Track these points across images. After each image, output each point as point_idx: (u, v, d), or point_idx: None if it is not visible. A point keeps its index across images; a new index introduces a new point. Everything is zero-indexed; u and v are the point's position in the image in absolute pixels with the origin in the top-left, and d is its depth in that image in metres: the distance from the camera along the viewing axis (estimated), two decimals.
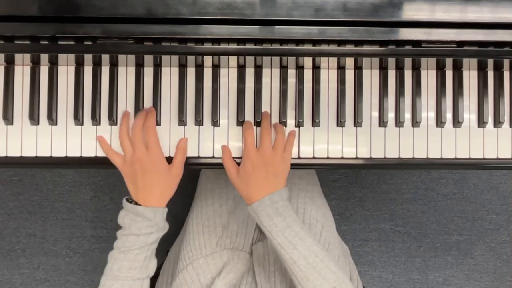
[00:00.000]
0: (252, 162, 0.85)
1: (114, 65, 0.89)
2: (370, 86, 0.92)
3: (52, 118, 0.88)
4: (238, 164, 0.89)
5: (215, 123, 0.90)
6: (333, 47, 0.81)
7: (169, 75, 0.90)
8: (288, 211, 0.84)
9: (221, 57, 0.87)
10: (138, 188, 0.85)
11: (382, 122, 0.91)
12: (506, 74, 0.92)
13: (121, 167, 0.87)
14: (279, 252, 0.82)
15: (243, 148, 0.87)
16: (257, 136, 0.90)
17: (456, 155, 0.92)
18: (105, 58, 0.87)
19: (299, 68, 0.91)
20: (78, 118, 0.88)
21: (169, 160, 0.89)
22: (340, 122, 0.91)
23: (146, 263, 0.84)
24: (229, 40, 0.79)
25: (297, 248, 0.80)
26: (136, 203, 0.85)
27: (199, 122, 0.90)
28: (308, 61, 0.90)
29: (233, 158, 0.90)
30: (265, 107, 0.91)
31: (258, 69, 0.90)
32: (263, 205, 0.83)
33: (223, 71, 0.90)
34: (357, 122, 0.91)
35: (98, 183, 1.67)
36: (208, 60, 0.89)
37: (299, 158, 0.91)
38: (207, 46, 0.80)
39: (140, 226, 0.83)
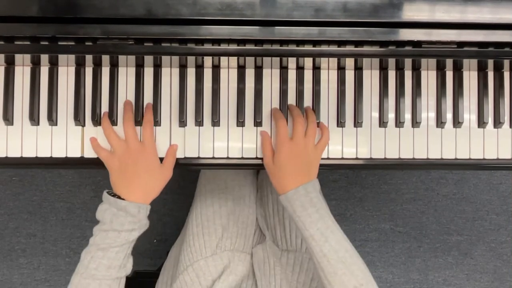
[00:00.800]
0: (287, 151, 0.84)
1: (114, 66, 0.89)
2: (370, 87, 0.92)
3: (52, 119, 0.88)
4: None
5: (215, 123, 0.90)
6: (333, 48, 0.81)
7: (169, 75, 0.90)
8: (321, 203, 0.83)
9: (221, 57, 0.87)
10: (125, 181, 0.83)
11: (382, 123, 0.91)
12: (506, 75, 0.92)
13: (109, 162, 0.85)
14: (310, 243, 0.80)
15: (276, 138, 0.87)
16: (257, 137, 0.90)
17: (456, 155, 0.92)
18: (105, 58, 0.87)
19: (299, 69, 0.91)
20: (78, 119, 0.88)
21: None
22: (340, 123, 0.91)
23: (125, 261, 0.81)
24: (229, 41, 0.79)
25: (328, 241, 0.79)
26: (119, 197, 0.82)
27: (199, 122, 0.90)
28: (308, 62, 0.90)
29: (233, 158, 0.90)
30: (265, 108, 0.91)
31: (258, 69, 0.90)
32: (297, 195, 0.82)
33: (223, 72, 0.90)
34: (357, 123, 0.91)
35: (98, 183, 1.67)
36: (208, 61, 0.89)
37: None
38: (207, 46, 0.80)
39: (123, 222, 0.79)
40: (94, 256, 0.79)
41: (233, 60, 0.89)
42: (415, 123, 0.91)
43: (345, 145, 0.91)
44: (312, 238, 0.80)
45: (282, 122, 0.87)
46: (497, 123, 0.92)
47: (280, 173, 0.84)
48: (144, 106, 0.89)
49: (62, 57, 0.86)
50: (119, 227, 0.79)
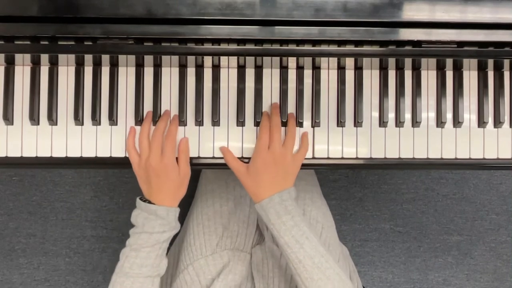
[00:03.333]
0: (264, 159, 0.85)
1: (114, 66, 0.89)
2: (370, 86, 0.92)
3: (52, 119, 0.88)
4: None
5: (215, 123, 0.90)
6: (333, 48, 0.81)
7: (169, 75, 0.90)
8: (296, 210, 0.84)
9: (221, 57, 0.87)
10: (152, 189, 0.86)
11: (382, 123, 0.91)
12: (506, 74, 0.92)
13: (136, 168, 0.87)
14: (285, 251, 0.81)
15: (256, 145, 0.87)
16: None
17: (456, 155, 0.92)
18: (105, 58, 0.87)
19: (299, 68, 0.91)
20: (78, 119, 0.88)
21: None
22: (340, 122, 0.91)
23: (158, 261, 0.84)
24: (229, 41, 0.79)
25: (303, 248, 0.80)
26: (149, 202, 0.86)
27: (199, 122, 0.90)
28: (308, 62, 0.90)
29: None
30: (265, 108, 0.91)
31: (258, 69, 0.90)
32: (272, 203, 0.83)
33: (223, 71, 0.90)
34: (357, 123, 0.91)
35: (98, 183, 1.67)
36: (208, 60, 0.89)
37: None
38: (207, 46, 0.80)
39: (154, 225, 0.84)
40: (128, 256, 0.83)
41: (233, 60, 0.89)
42: (415, 123, 0.91)
43: (345, 145, 0.91)
44: (287, 246, 0.81)
45: (265, 131, 0.87)
46: (497, 122, 0.92)
47: (255, 182, 0.85)
48: (171, 117, 0.89)
49: (62, 57, 0.86)
50: (150, 230, 0.83)
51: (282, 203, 0.83)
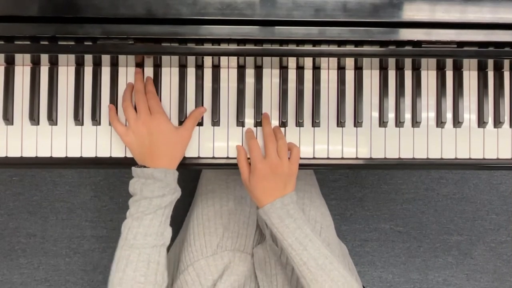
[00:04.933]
0: (261, 171, 0.85)
1: (114, 66, 0.89)
2: (370, 87, 0.92)
3: (52, 119, 0.88)
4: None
5: (215, 123, 0.90)
6: (333, 48, 0.81)
7: (169, 75, 0.90)
8: (299, 213, 0.85)
9: (221, 57, 0.87)
10: (146, 152, 0.85)
11: (382, 123, 0.91)
12: (506, 74, 0.92)
13: (123, 136, 0.86)
14: (289, 253, 0.82)
15: (250, 158, 0.87)
16: (257, 136, 0.91)
17: (456, 155, 0.92)
18: (105, 58, 0.87)
19: (299, 69, 0.91)
20: (78, 119, 0.89)
21: None
22: (340, 123, 0.91)
23: (162, 229, 0.82)
24: (229, 41, 0.79)
25: (307, 250, 0.81)
26: (145, 167, 0.84)
27: (199, 122, 0.90)
28: (308, 62, 0.90)
29: (233, 158, 0.90)
30: (265, 108, 0.91)
31: (258, 69, 0.90)
32: (274, 208, 0.84)
33: (223, 72, 0.90)
34: (357, 123, 0.91)
35: (98, 183, 1.67)
36: (208, 60, 0.89)
37: (299, 158, 0.91)
38: (207, 46, 0.80)
39: (152, 189, 0.81)
40: (130, 227, 0.81)
41: (233, 60, 0.89)
42: (415, 123, 0.91)
43: (345, 145, 0.92)
44: (291, 248, 0.82)
45: (253, 142, 0.87)
46: (497, 123, 0.92)
47: (257, 189, 0.86)
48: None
49: (62, 57, 0.86)
50: (149, 194, 0.81)
51: (284, 207, 0.84)
